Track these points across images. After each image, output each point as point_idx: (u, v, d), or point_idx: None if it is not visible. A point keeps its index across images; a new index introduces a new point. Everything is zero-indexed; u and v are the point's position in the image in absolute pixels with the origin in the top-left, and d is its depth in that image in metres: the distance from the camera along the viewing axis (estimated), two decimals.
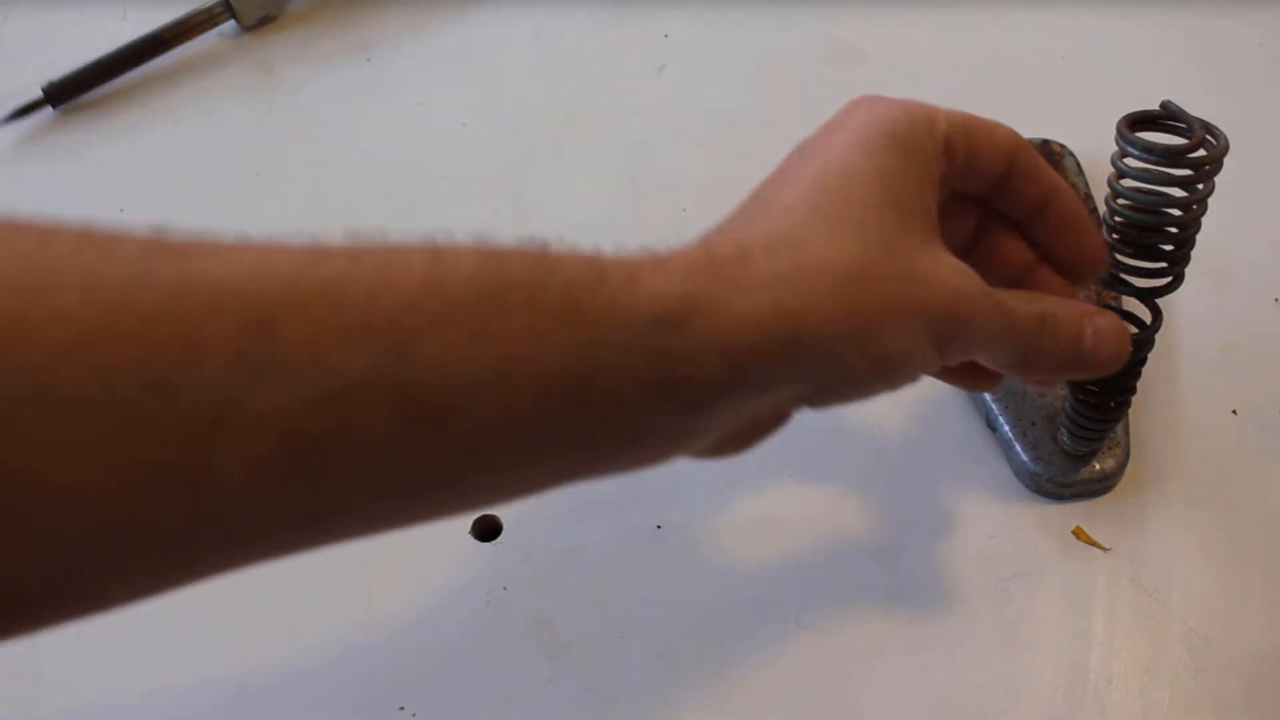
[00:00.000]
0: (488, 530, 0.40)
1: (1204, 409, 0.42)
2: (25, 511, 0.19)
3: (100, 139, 0.54)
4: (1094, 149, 0.49)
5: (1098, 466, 0.39)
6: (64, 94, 0.54)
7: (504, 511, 0.40)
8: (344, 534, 0.24)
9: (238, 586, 0.38)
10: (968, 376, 0.34)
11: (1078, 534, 0.39)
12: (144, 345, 0.20)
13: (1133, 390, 0.37)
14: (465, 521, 0.40)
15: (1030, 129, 0.54)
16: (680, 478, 0.41)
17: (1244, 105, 0.53)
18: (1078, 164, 0.48)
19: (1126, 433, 0.40)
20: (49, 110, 0.54)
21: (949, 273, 0.28)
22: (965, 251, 0.33)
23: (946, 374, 0.35)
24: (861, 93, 0.58)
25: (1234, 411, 0.42)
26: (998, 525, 0.39)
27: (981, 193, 0.32)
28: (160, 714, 0.36)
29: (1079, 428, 0.38)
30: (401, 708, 0.35)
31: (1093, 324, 0.31)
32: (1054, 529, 0.39)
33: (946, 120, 0.30)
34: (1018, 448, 0.40)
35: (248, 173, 0.52)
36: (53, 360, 0.19)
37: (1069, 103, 0.53)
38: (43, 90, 0.53)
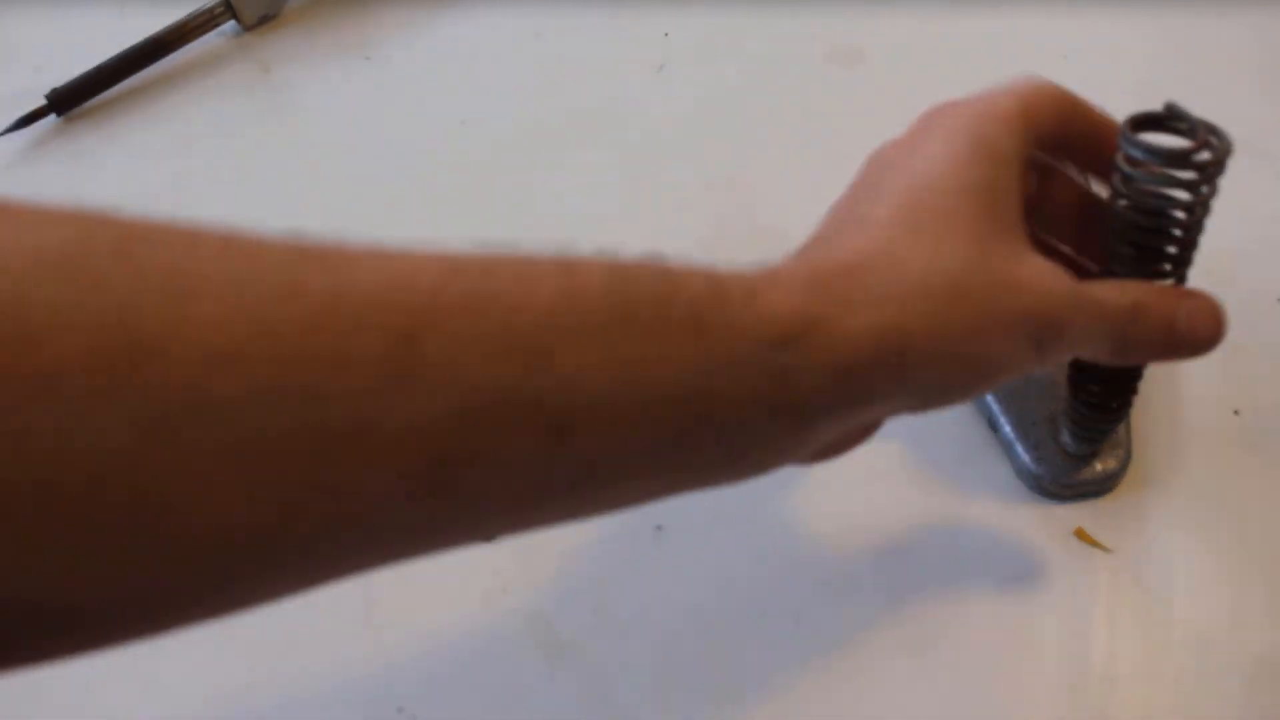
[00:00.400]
0: None
1: (1206, 410, 0.42)
2: (168, 520, 0.19)
3: (104, 143, 0.54)
4: None
5: (1099, 467, 0.39)
6: (68, 101, 0.54)
7: None
8: (464, 541, 0.24)
9: None
10: None
11: (1080, 535, 0.39)
12: (294, 357, 0.20)
13: (1135, 391, 0.37)
14: None
15: None
16: None
17: (1244, 105, 0.53)
18: None
19: (1128, 433, 0.40)
20: (53, 117, 0.54)
21: (1044, 276, 0.28)
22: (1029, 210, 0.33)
23: None
24: (862, 92, 0.59)
25: (1236, 412, 0.42)
26: (999, 526, 0.39)
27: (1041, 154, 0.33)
28: (158, 715, 0.36)
29: (1080, 429, 0.38)
30: (400, 709, 0.35)
31: (1184, 307, 0.31)
32: (1056, 530, 0.39)
33: (1019, 114, 0.30)
34: (1019, 448, 0.40)
35: (250, 173, 0.52)
36: (205, 370, 0.19)
37: None
38: (46, 98, 0.53)
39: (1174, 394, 0.43)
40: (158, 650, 0.37)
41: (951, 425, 0.42)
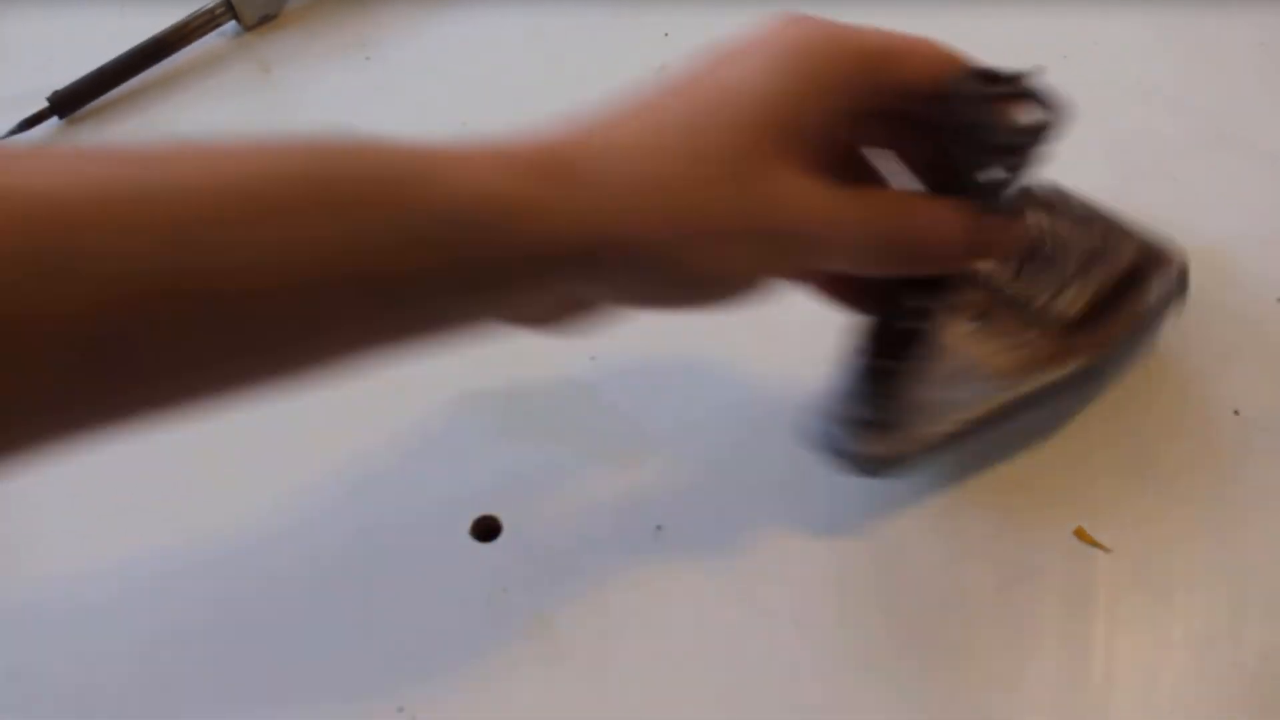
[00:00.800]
0: (487, 531, 0.40)
1: (1206, 409, 0.42)
2: None
3: None
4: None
5: (866, 447, 0.37)
6: (70, 103, 0.54)
7: (504, 512, 0.40)
8: (143, 416, 0.25)
9: (236, 594, 0.38)
10: (842, 292, 0.34)
11: (1079, 535, 0.39)
12: None
13: (900, 359, 0.35)
14: (465, 523, 0.40)
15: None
16: (680, 479, 0.41)
17: (1245, 105, 0.53)
18: (1074, 199, 0.44)
19: (921, 431, 0.37)
20: (55, 119, 0.54)
21: (800, 193, 0.28)
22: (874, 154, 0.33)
23: (823, 290, 0.34)
24: None
25: (1236, 412, 0.42)
26: (998, 526, 0.39)
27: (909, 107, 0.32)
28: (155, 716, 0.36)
29: (853, 392, 0.36)
30: (400, 709, 0.35)
31: (930, 216, 0.31)
32: (1055, 530, 0.39)
33: (874, 55, 0.30)
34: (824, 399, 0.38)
35: None
36: None
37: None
38: (48, 100, 0.53)
39: (1174, 394, 0.43)
40: (157, 653, 0.37)
41: None
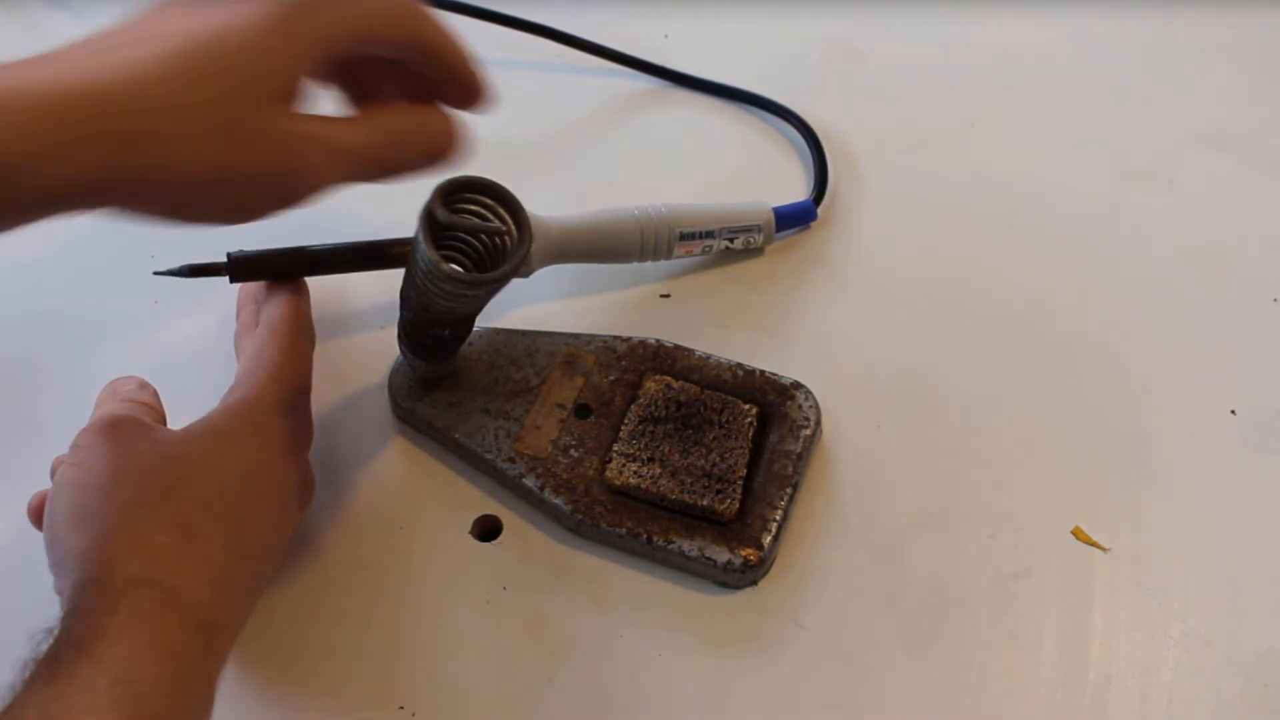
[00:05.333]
0: (488, 531, 0.40)
1: (1203, 409, 0.42)
2: None
3: None
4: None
5: (418, 405, 0.41)
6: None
7: (504, 513, 0.40)
8: None
9: None
10: None
11: (1077, 534, 0.39)
12: None
13: (411, 304, 0.38)
14: (465, 523, 0.40)
15: (1029, 133, 0.54)
16: None
17: (1241, 105, 0.53)
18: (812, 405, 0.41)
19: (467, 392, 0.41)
20: None
21: (293, 128, 0.31)
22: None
23: None
24: (860, 92, 0.58)
25: (1233, 411, 0.42)
26: (996, 525, 0.39)
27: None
28: None
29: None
30: (401, 707, 0.36)
31: (433, 124, 0.35)
32: (1053, 529, 0.39)
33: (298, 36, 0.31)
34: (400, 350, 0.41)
35: None
36: None
37: (1064, 111, 0.53)
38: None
39: (1171, 394, 0.43)
40: None
41: None
